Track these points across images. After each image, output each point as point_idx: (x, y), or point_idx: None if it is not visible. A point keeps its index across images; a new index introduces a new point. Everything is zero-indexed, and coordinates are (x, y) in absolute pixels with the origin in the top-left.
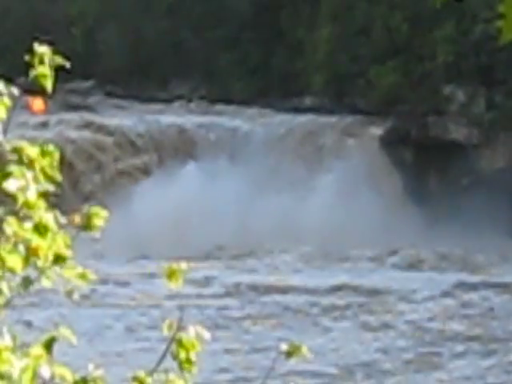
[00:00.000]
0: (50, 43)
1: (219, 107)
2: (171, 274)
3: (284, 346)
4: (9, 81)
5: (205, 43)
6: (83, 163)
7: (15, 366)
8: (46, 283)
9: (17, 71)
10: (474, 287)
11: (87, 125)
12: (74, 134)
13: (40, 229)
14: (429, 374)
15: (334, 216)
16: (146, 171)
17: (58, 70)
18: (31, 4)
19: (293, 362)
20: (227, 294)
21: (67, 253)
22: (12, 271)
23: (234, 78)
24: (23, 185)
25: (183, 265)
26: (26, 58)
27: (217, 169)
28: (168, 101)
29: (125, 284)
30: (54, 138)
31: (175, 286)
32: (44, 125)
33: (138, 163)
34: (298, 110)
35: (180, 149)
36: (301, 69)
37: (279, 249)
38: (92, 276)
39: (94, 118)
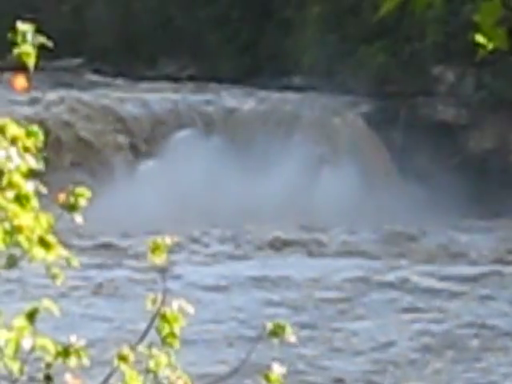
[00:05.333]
0: (34, 21)
1: (208, 85)
2: (155, 249)
3: (269, 325)
4: None
5: (194, 21)
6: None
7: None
8: (37, 255)
9: (3, 49)
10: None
11: (72, 102)
12: (57, 110)
13: (21, 199)
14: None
15: (319, 194)
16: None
17: (46, 49)
18: None
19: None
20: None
21: (51, 238)
22: None
23: (223, 56)
24: (6, 156)
25: (167, 239)
26: (9, 35)
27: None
28: (157, 79)
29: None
30: (37, 114)
31: (159, 260)
32: (33, 102)
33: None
34: (287, 89)
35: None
36: (290, 48)
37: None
38: (76, 262)
39: (80, 95)
